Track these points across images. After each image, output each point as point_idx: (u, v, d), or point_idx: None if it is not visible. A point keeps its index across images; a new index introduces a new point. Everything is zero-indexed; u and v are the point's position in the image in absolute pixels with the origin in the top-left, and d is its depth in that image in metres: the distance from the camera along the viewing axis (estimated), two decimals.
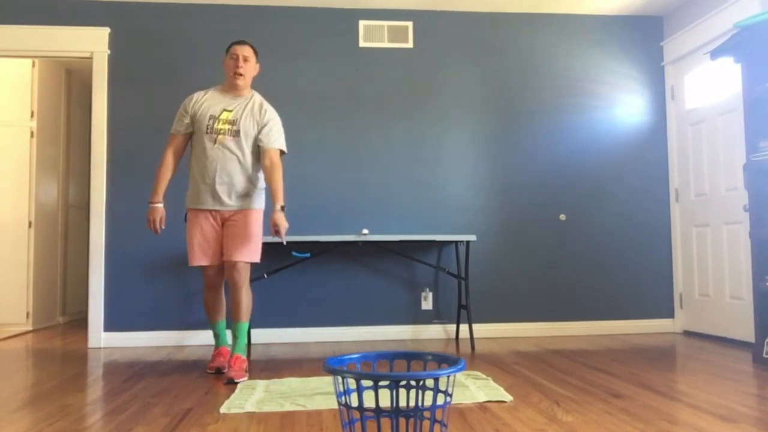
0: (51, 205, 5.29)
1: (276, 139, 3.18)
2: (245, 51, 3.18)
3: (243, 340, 3.10)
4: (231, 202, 3.10)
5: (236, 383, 2.87)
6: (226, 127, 3.11)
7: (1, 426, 2.16)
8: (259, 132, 3.15)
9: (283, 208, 3.06)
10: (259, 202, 3.20)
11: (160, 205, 3.15)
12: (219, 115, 3.13)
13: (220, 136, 3.09)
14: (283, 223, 3.03)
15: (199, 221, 3.12)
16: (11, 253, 4.91)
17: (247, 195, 3.14)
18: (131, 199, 4.16)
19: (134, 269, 4.14)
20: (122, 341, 4.09)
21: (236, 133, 3.11)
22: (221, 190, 3.08)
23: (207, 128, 3.11)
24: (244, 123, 3.14)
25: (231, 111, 3.15)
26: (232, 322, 3.11)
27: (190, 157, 3.20)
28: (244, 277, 3.09)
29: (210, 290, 3.21)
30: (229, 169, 3.09)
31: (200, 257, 3.11)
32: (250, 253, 3.10)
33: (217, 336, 3.27)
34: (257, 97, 3.24)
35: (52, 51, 4.18)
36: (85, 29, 4.20)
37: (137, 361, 3.51)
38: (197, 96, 3.20)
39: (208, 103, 3.17)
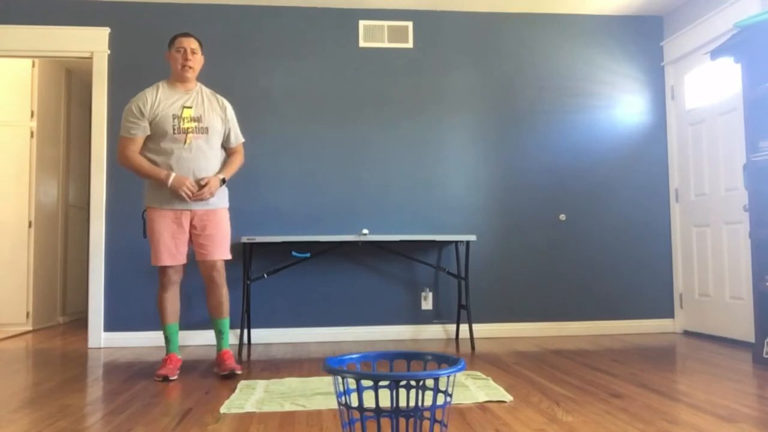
0: (51, 205, 5.29)
1: (239, 135, 3.28)
2: (192, 44, 3.12)
3: (228, 335, 3.21)
4: (203, 202, 3.08)
5: (237, 374, 3.00)
6: (193, 125, 3.06)
7: (1, 426, 2.16)
8: (225, 132, 3.19)
9: (224, 180, 3.12)
10: (226, 200, 3.22)
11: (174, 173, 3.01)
12: (181, 114, 3.05)
13: (189, 135, 3.04)
14: (214, 186, 3.04)
15: (167, 221, 3.04)
16: (11, 253, 4.91)
17: (217, 193, 3.13)
18: (131, 199, 4.16)
19: (134, 269, 4.14)
20: (122, 341, 4.09)
21: (204, 131, 3.08)
22: None
23: (174, 129, 3.02)
24: (210, 119, 3.11)
25: (191, 107, 3.09)
26: (217, 320, 3.14)
27: (147, 157, 3.07)
28: (223, 275, 3.14)
29: (168, 291, 3.10)
30: (201, 168, 3.06)
31: (167, 258, 3.03)
32: (227, 251, 3.14)
33: (168, 341, 3.11)
34: (205, 89, 3.21)
35: (52, 51, 4.18)
36: (85, 29, 4.20)
37: (137, 361, 3.50)
38: (149, 97, 3.06)
39: (164, 102, 3.06)
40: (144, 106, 3.04)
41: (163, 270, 3.07)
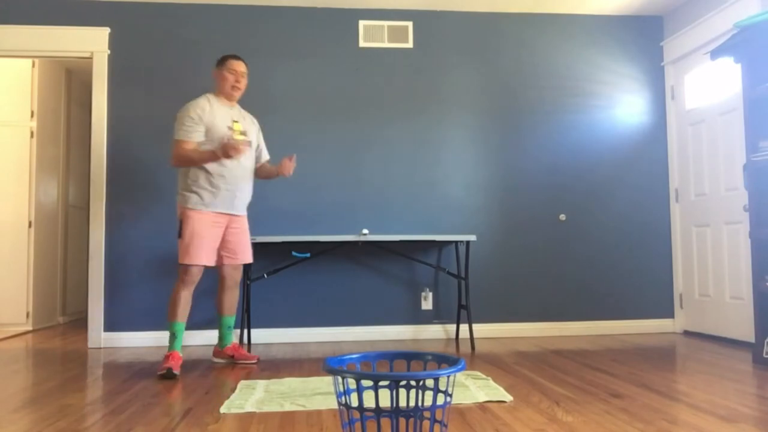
0: (51, 205, 5.29)
1: (265, 150, 3.61)
2: (243, 67, 3.35)
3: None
4: (242, 208, 3.35)
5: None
6: (242, 137, 3.29)
7: (1, 426, 2.16)
8: (258, 148, 3.52)
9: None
10: None
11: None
12: (233, 126, 3.28)
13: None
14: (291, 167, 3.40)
15: (208, 224, 3.20)
16: (11, 253, 4.91)
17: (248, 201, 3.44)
18: (131, 199, 4.16)
19: (134, 269, 4.14)
20: (122, 341, 4.09)
21: (249, 144, 3.28)
22: (239, 197, 3.30)
23: (227, 139, 3.20)
24: (251, 134, 3.40)
25: (238, 122, 3.33)
26: (229, 316, 3.43)
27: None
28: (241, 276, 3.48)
29: (188, 289, 3.18)
30: (246, 178, 3.34)
31: (204, 258, 3.17)
32: None
33: (175, 338, 3.14)
34: (241, 108, 3.49)
35: (52, 51, 4.18)
36: (85, 29, 4.20)
37: (137, 361, 3.51)
38: (205, 105, 3.23)
39: (219, 112, 3.25)
40: (202, 112, 3.20)
41: (191, 269, 3.16)
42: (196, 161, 3.15)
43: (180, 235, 3.18)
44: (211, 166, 3.19)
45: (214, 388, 2.77)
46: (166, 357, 3.09)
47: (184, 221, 3.17)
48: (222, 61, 3.33)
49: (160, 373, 2.99)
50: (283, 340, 4.19)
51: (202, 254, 3.16)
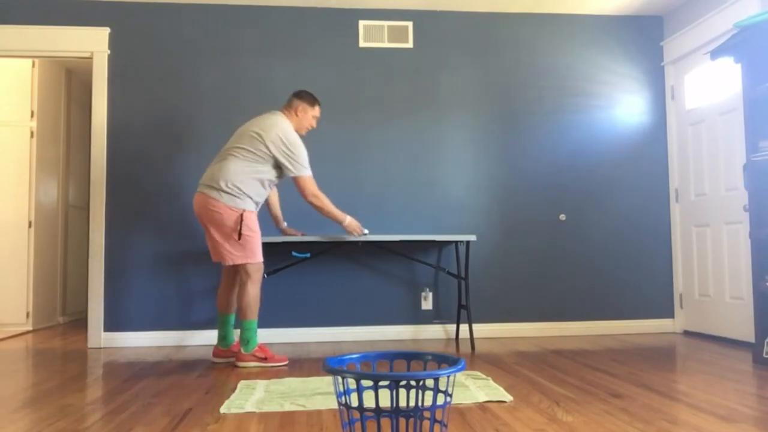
0: (51, 205, 5.29)
1: None
2: None
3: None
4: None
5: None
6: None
7: (1, 426, 2.16)
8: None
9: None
10: None
11: None
12: None
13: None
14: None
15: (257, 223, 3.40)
16: (11, 253, 4.91)
17: None
18: (131, 199, 4.16)
19: (134, 269, 4.14)
20: (122, 341, 4.09)
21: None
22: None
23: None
24: None
25: None
26: (234, 314, 3.54)
27: (256, 173, 3.33)
28: None
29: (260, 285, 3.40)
30: None
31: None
32: None
33: (255, 333, 3.34)
34: None
35: (52, 51, 4.18)
36: (85, 29, 4.20)
37: (137, 361, 3.51)
38: None
39: None
40: None
41: (259, 266, 3.33)
42: (332, 212, 3.45)
43: (239, 236, 3.25)
44: (266, 182, 3.37)
45: (214, 388, 2.77)
46: (262, 350, 3.30)
47: (247, 222, 3.27)
48: (313, 103, 3.53)
49: (281, 365, 3.29)
50: (283, 340, 4.19)
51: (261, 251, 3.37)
